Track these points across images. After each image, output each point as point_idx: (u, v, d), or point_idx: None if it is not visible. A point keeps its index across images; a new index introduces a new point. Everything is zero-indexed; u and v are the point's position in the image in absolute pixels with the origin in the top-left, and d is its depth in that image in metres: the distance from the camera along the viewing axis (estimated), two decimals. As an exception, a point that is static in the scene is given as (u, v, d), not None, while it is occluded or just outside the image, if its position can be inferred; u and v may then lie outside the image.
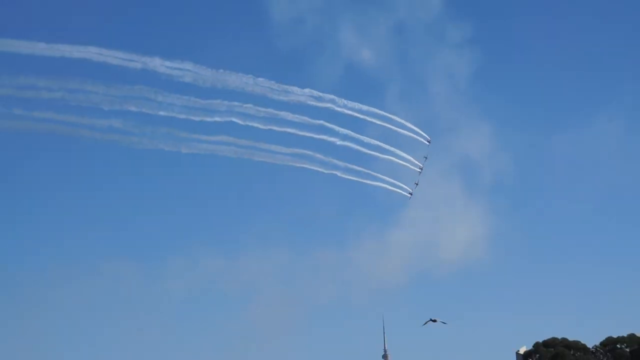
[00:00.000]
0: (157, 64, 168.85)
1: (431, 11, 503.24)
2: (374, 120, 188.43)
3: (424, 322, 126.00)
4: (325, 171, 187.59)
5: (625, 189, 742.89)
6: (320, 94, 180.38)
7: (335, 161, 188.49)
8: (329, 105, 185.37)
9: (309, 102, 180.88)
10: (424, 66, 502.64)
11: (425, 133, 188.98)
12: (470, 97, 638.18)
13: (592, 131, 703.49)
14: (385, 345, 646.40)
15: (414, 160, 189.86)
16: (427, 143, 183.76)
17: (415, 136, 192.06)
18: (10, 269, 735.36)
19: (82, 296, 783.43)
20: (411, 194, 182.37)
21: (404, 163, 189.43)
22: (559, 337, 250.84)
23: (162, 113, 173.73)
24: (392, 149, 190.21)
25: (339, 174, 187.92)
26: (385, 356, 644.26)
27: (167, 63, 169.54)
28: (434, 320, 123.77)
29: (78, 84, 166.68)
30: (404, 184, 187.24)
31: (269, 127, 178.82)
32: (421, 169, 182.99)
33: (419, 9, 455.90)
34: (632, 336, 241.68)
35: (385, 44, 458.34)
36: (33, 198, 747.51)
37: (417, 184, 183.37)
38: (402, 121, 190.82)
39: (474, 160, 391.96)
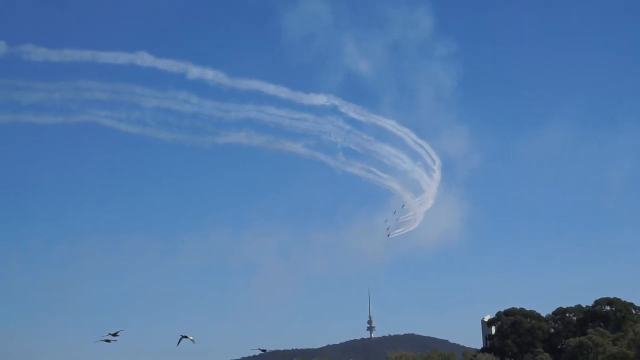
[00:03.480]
0: (191, 70, 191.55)
1: (422, 31, 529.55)
2: (370, 121, 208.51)
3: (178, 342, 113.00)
4: (326, 162, 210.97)
5: (572, 183, 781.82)
6: (325, 97, 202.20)
7: (339, 156, 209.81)
8: (332, 105, 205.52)
9: (314, 104, 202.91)
10: (413, 77, 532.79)
11: (414, 133, 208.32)
12: (452, 104, 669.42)
13: (547, 136, 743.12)
14: (371, 314, 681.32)
15: (407, 160, 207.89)
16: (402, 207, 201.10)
17: (407, 137, 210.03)
18: (45, 242, 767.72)
19: (107, 267, 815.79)
20: (389, 235, 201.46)
21: (398, 161, 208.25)
22: (518, 307, 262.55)
23: (190, 110, 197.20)
24: (385, 146, 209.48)
25: (337, 166, 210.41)
26: (370, 322, 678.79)
27: (199, 70, 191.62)
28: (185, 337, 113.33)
29: (124, 86, 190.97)
30: (396, 178, 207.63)
31: (280, 124, 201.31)
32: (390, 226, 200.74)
33: (412, 29, 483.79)
34: (578, 307, 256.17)
35: (381, 58, 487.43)
36: (74, 179, 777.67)
37: (389, 235, 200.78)
38: (396, 124, 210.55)
39: (452, 158, 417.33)
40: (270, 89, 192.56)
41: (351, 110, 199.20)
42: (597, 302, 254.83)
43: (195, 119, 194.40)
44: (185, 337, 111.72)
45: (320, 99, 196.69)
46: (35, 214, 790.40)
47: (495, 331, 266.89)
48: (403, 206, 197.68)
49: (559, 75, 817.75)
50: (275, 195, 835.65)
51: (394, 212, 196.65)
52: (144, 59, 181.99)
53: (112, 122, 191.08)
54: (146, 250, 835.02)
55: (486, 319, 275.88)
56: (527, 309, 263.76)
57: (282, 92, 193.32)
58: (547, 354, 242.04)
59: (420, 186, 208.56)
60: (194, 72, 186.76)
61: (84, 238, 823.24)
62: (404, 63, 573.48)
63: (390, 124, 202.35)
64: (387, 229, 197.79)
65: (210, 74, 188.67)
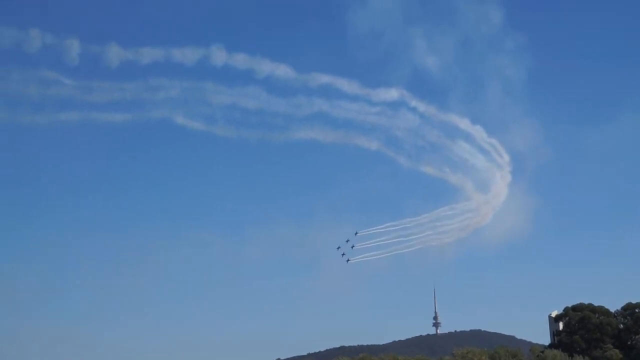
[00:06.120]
0: (261, 65, 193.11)
1: (492, 25, 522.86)
2: (439, 118, 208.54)
3: None
4: (394, 157, 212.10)
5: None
6: (395, 92, 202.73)
7: (407, 151, 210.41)
8: (402, 101, 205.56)
9: (384, 99, 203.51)
10: (482, 72, 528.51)
11: (483, 129, 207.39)
12: (521, 98, 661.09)
13: (619, 126, 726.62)
14: (436, 310, 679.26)
15: (477, 155, 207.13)
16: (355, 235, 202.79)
17: (476, 133, 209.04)
18: (118, 237, 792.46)
19: (175, 262, 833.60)
20: (348, 260, 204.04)
21: (467, 158, 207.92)
22: (586, 302, 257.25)
23: (259, 106, 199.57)
24: (454, 143, 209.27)
25: (405, 161, 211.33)
26: (435, 318, 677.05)
27: (269, 65, 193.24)
28: None
29: (193, 83, 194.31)
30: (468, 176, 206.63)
31: (350, 119, 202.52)
32: (344, 254, 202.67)
33: (481, 23, 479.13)
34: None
35: (450, 53, 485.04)
36: (144, 175, 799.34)
37: (348, 260, 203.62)
38: (467, 121, 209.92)
39: (521, 153, 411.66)
40: (339, 83, 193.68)
41: (421, 105, 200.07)
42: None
43: (264, 115, 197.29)
44: None
45: (390, 94, 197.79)
46: (106, 208, 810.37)
47: (563, 327, 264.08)
48: (356, 234, 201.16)
49: (632, 66, 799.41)
50: (341, 189, 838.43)
51: (347, 241, 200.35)
52: (218, 53, 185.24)
53: (184, 120, 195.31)
54: (213, 244, 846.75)
55: (553, 315, 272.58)
56: (595, 304, 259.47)
57: (352, 86, 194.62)
58: (616, 350, 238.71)
59: (489, 184, 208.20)
60: (264, 67, 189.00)
61: (154, 232, 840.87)
62: (472, 57, 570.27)
63: (460, 121, 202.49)
64: (343, 255, 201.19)
65: (279, 69, 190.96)
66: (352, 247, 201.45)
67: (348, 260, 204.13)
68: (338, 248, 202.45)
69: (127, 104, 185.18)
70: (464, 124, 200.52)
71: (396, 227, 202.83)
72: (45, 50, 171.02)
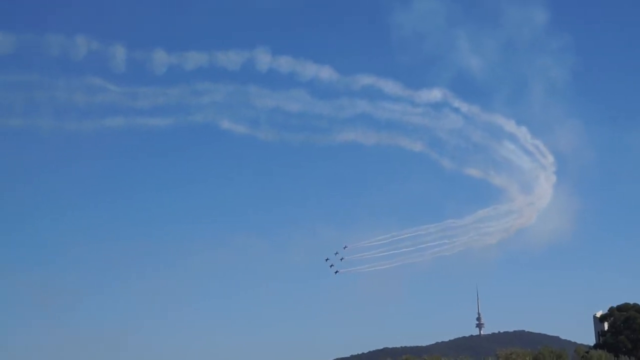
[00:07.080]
0: (305, 67, 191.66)
1: (536, 24, 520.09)
2: (483, 119, 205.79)
3: None
4: (437, 159, 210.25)
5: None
6: (439, 93, 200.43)
7: (450, 153, 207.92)
8: (445, 102, 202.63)
9: (427, 100, 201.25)
10: (526, 72, 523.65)
11: (527, 130, 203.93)
12: (565, 98, 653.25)
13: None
14: (479, 311, 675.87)
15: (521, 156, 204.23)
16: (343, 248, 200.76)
17: (520, 134, 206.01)
18: (157, 237, 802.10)
19: (215, 264, 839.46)
20: (336, 272, 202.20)
21: (511, 159, 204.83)
22: (631, 302, 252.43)
23: (302, 109, 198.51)
24: (498, 144, 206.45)
25: (448, 163, 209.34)
26: (479, 319, 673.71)
27: (312, 67, 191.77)
28: None
29: (237, 87, 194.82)
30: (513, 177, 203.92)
31: (393, 120, 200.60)
32: (332, 265, 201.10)
33: (525, 23, 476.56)
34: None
35: (494, 54, 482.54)
36: (181, 181, 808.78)
37: (337, 272, 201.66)
38: (509, 121, 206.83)
39: (565, 154, 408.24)
40: (382, 84, 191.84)
41: (464, 106, 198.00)
42: None
43: (308, 118, 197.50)
44: None
45: (433, 95, 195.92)
46: (146, 210, 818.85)
47: (608, 327, 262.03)
48: (345, 247, 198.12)
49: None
50: (384, 191, 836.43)
51: (336, 253, 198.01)
52: (262, 56, 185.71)
53: (229, 124, 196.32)
54: (255, 247, 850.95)
55: (598, 315, 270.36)
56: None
57: (395, 87, 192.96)
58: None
59: (533, 185, 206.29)
60: (308, 70, 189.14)
61: (195, 234, 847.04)
62: (516, 58, 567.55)
63: (506, 123, 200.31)
64: (331, 266, 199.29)
65: (323, 71, 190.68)
66: (341, 259, 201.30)
67: (336, 272, 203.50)
68: (327, 260, 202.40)
69: (172, 109, 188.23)
70: (509, 125, 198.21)
71: (436, 229, 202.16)
72: (91, 56, 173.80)
